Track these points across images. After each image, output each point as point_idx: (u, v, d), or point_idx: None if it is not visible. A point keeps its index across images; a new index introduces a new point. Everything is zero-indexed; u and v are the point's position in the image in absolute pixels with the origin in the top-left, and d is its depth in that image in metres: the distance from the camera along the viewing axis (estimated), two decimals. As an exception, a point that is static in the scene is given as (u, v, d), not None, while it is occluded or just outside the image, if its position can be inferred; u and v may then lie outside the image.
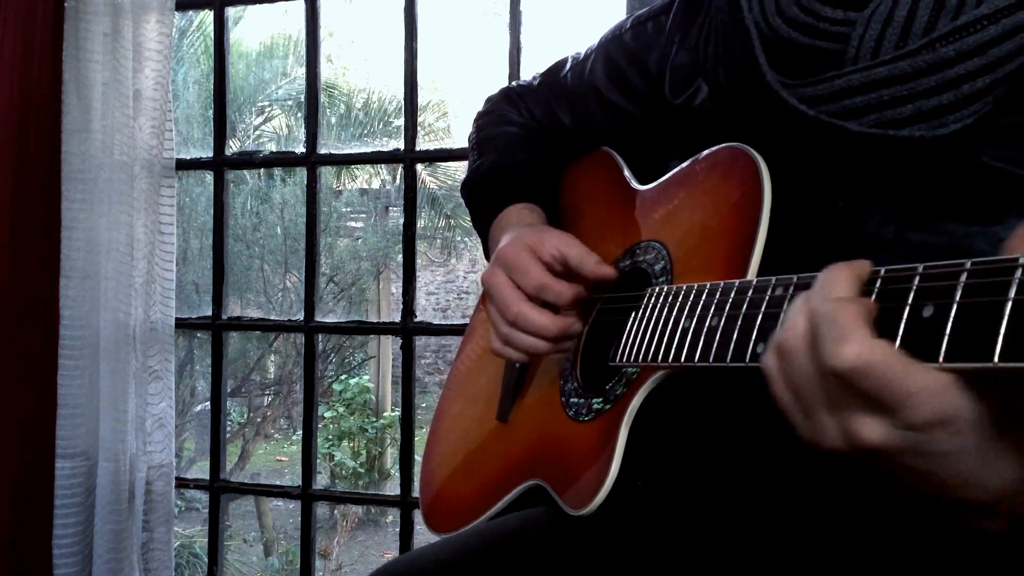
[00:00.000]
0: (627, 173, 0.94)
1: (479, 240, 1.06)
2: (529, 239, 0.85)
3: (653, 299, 0.74)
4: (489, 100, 1.14)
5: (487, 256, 0.98)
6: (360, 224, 8.02)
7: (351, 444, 7.31)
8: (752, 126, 0.74)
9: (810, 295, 0.52)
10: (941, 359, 0.45)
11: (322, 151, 1.89)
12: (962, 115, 0.61)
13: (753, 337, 0.59)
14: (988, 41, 0.59)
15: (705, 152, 0.78)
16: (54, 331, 1.80)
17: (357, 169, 8.17)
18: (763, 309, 0.59)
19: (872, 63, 0.64)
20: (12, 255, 1.80)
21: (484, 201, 1.01)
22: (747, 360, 0.59)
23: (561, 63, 1.07)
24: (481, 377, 1.03)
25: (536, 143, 1.05)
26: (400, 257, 3.29)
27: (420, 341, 3.10)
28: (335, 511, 6.23)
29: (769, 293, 0.59)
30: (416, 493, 1.39)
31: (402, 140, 1.81)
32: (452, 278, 10.81)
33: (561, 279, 0.83)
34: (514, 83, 1.14)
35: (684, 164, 0.82)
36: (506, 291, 0.84)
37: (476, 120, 1.13)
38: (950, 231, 0.64)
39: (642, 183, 0.90)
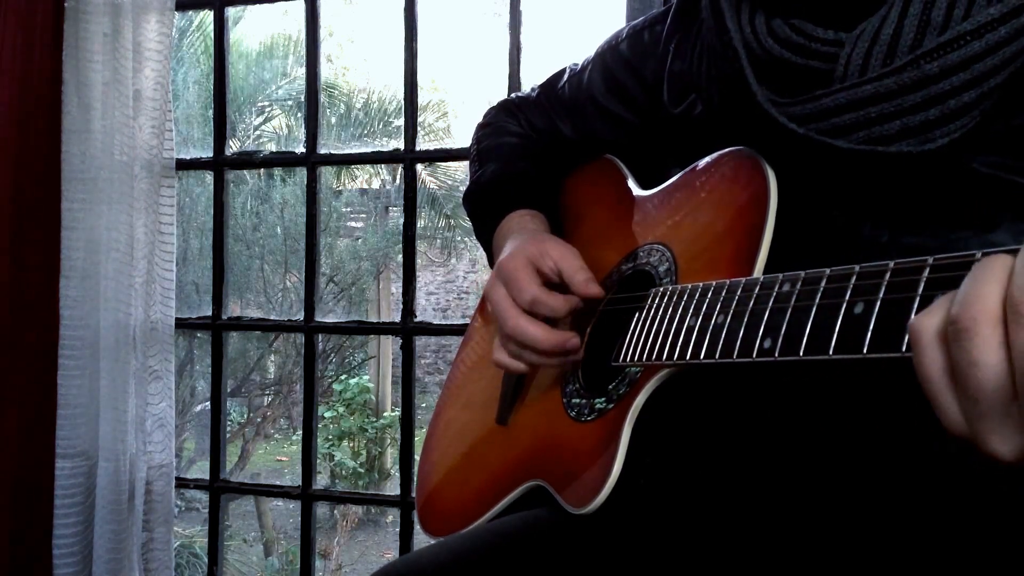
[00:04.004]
0: (630, 179, 0.94)
1: (481, 243, 1.06)
2: (530, 250, 0.86)
3: (657, 299, 0.74)
4: (488, 112, 1.15)
5: (491, 265, 0.99)
6: (360, 224, 8.02)
7: (351, 444, 7.31)
8: (747, 142, 0.74)
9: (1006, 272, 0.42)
10: None
11: (322, 151, 1.89)
12: (949, 129, 0.62)
13: (760, 332, 0.59)
14: (972, 57, 0.60)
15: (709, 156, 0.79)
16: (54, 331, 1.80)
17: (357, 169, 8.17)
18: (770, 305, 0.59)
19: (859, 81, 0.64)
20: (12, 255, 1.79)
21: (486, 210, 1.02)
22: (754, 356, 0.58)
23: (559, 74, 1.08)
24: (479, 380, 1.03)
25: (536, 152, 1.06)
26: (400, 257, 3.29)
27: (420, 341, 3.10)
28: (335, 511, 6.23)
29: (776, 289, 0.59)
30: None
31: (402, 140, 1.81)
32: (452, 278, 10.80)
33: (557, 292, 0.83)
34: (512, 95, 1.15)
35: (688, 168, 0.82)
36: (504, 304, 0.85)
37: (476, 132, 1.14)
38: (944, 236, 0.64)
39: (644, 189, 0.91)
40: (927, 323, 0.44)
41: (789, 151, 0.69)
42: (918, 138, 0.62)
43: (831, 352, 0.52)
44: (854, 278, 0.53)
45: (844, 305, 0.53)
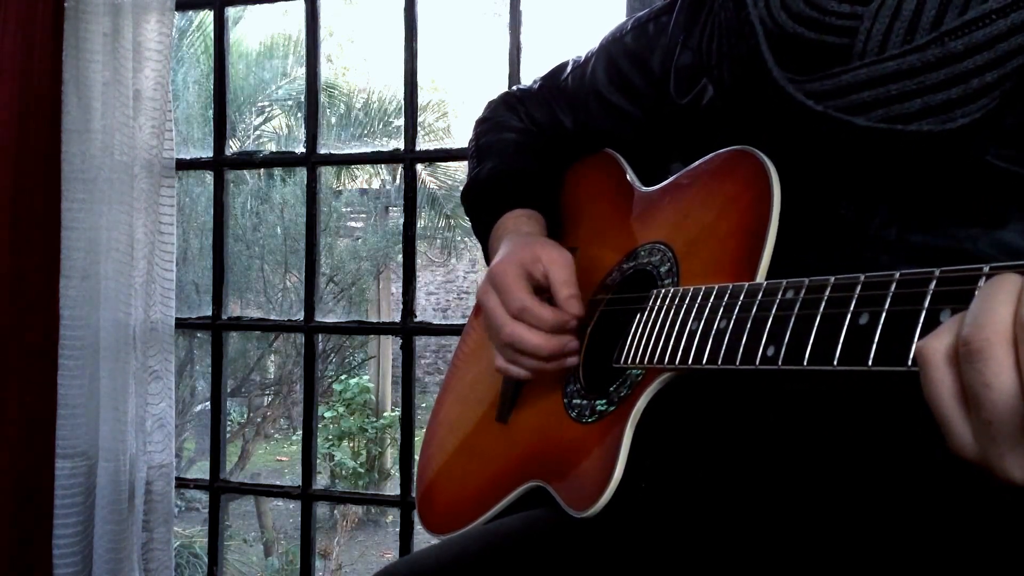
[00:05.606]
0: (630, 175, 0.93)
1: (479, 241, 1.06)
2: (523, 255, 0.85)
3: (659, 301, 0.73)
4: (488, 106, 1.14)
5: (488, 264, 0.98)
6: (360, 224, 8.02)
7: (351, 444, 7.31)
8: (758, 124, 0.74)
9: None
10: None
11: (322, 151, 1.89)
12: (970, 110, 0.61)
13: (763, 340, 0.58)
14: (997, 35, 0.59)
15: (712, 154, 0.78)
16: (54, 331, 1.80)
17: (357, 169, 8.17)
18: (773, 312, 0.58)
19: (880, 58, 0.63)
20: (12, 255, 1.79)
21: (483, 208, 1.01)
22: (757, 363, 0.58)
23: (562, 66, 1.06)
24: (479, 378, 1.03)
25: (535, 148, 1.05)
26: (400, 257, 3.28)
27: (420, 341, 3.10)
28: (335, 511, 6.23)
29: (780, 296, 0.59)
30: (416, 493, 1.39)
31: (402, 140, 1.81)
32: (452, 278, 10.80)
33: (547, 303, 0.83)
34: (514, 87, 1.14)
35: (690, 166, 0.82)
36: (497, 312, 0.84)
37: (475, 127, 1.12)
38: (952, 233, 0.64)
39: (644, 185, 0.90)
40: (935, 345, 0.43)
41: (803, 131, 0.68)
42: (939, 117, 0.61)
43: (835, 363, 0.52)
44: (859, 288, 0.52)
45: (849, 315, 0.52)
